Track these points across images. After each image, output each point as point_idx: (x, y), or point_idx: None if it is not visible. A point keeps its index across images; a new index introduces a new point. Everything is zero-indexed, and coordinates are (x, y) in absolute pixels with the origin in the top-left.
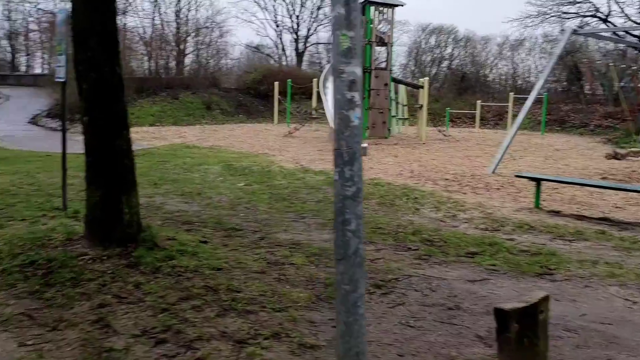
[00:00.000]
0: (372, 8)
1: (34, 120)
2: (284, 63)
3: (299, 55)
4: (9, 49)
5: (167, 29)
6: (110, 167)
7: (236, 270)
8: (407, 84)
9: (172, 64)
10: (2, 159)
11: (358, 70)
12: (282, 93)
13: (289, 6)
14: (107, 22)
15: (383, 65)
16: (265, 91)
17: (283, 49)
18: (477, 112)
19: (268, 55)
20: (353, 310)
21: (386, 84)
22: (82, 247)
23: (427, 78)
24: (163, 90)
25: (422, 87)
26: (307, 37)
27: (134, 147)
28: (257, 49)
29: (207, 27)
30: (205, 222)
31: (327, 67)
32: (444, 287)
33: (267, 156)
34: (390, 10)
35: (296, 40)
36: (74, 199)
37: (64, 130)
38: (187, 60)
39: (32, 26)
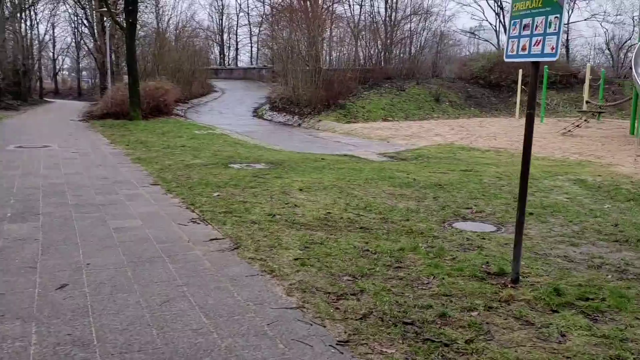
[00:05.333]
0: None
1: (257, 114)
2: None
3: None
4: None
5: (377, 17)
6: None
7: None
8: None
9: (382, 53)
10: (284, 163)
11: None
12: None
13: None
14: None
15: None
16: (497, 81)
17: (506, 32)
18: None
19: (485, 40)
20: None
21: None
22: None
23: None
24: (385, 81)
25: None
26: None
27: (397, 147)
28: (472, 33)
29: (421, 13)
30: None
31: (638, 47)
32: None
33: (599, 165)
34: None
35: None
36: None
37: (528, 141)
38: (396, 49)
39: (242, 21)
